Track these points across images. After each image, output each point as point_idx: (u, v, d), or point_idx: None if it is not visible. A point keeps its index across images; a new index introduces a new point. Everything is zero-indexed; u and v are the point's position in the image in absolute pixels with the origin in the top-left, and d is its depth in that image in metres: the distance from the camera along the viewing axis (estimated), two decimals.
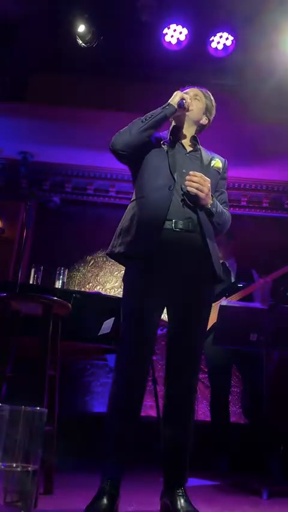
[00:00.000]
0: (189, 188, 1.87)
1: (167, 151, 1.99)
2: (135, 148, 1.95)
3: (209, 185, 1.89)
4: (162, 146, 2.01)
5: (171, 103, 1.98)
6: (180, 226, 1.87)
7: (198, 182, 1.86)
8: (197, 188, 1.85)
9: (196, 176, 1.87)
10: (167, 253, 1.84)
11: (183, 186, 1.90)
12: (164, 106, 1.98)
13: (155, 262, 1.83)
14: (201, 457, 2.52)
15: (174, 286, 1.86)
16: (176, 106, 1.97)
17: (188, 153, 2.05)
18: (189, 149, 2.07)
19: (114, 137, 1.97)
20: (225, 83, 4.00)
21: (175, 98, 1.99)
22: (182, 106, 1.98)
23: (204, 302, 1.94)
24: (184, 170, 1.95)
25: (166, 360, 1.91)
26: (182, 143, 2.07)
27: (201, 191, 1.86)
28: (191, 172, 1.88)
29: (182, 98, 1.98)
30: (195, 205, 1.90)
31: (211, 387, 3.37)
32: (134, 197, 2.00)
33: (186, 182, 1.87)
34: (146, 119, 1.94)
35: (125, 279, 1.94)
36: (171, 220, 1.86)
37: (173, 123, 2.11)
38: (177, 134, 2.09)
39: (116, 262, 2.07)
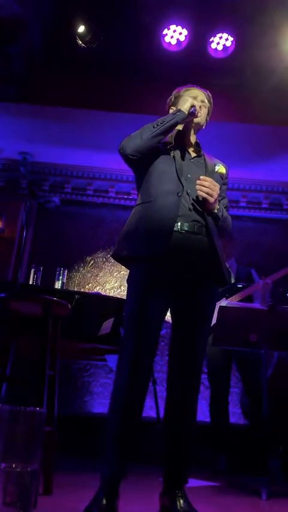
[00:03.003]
0: (199, 193, 1.88)
1: (173, 156, 2.00)
2: (145, 153, 1.95)
3: (218, 190, 1.91)
4: (169, 151, 2.02)
5: (182, 109, 1.98)
6: (186, 228, 1.88)
7: (208, 187, 1.87)
8: (207, 193, 1.87)
9: (207, 181, 1.88)
10: (172, 254, 1.84)
11: (189, 191, 1.92)
12: (175, 112, 1.99)
13: (161, 264, 1.83)
14: (200, 457, 2.53)
15: (179, 287, 1.87)
16: (187, 113, 1.98)
17: (192, 158, 2.06)
18: (193, 154, 2.08)
19: (125, 141, 1.96)
20: (225, 84, 4.00)
21: (186, 104, 1.99)
22: (193, 113, 1.99)
23: (208, 304, 1.94)
24: (189, 176, 1.96)
25: (169, 360, 1.91)
26: (186, 149, 2.08)
27: (210, 196, 1.87)
28: (201, 177, 1.90)
29: (193, 106, 1.99)
30: (203, 209, 1.92)
31: (211, 388, 3.37)
32: (140, 201, 2.00)
33: (197, 187, 1.88)
34: (157, 125, 1.94)
35: (130, 281, 1.93)
36: (177, 223, 1.87)
37: (179, 128, 2.10)
38: (181, 139, 2.09)
39: (116, 262, 2.07)
